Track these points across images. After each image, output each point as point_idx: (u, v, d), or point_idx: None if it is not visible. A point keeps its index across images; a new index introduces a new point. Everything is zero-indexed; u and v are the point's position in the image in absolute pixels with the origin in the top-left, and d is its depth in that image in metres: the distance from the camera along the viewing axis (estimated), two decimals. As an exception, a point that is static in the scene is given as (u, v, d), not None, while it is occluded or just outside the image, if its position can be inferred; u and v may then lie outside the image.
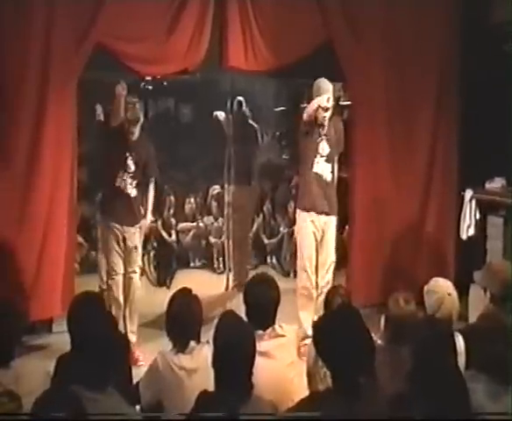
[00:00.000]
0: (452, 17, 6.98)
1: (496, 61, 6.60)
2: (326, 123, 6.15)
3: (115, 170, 6.03)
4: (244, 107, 8.21)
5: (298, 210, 6.39)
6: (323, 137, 6.18)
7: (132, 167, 6.03)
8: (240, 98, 8.22)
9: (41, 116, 6.03)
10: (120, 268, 6.07)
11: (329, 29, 6.74)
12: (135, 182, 6.07)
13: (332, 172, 6.31)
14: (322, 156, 6.18)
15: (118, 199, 6.06)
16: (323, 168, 6.20)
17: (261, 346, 3.74)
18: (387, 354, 3.69)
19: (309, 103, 6.24)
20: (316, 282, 6.16)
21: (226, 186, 8.32)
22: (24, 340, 5.76)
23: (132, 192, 6.07)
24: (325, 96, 6.02)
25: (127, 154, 6.00)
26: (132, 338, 6.01)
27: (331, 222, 6.32)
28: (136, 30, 6.29)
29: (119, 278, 6.07)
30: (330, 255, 6.28)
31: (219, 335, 3.28)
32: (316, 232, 6.21)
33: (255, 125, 8.38)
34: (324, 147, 6.18)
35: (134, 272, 6.16)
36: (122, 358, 3.18)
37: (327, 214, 6.26)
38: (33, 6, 5.96)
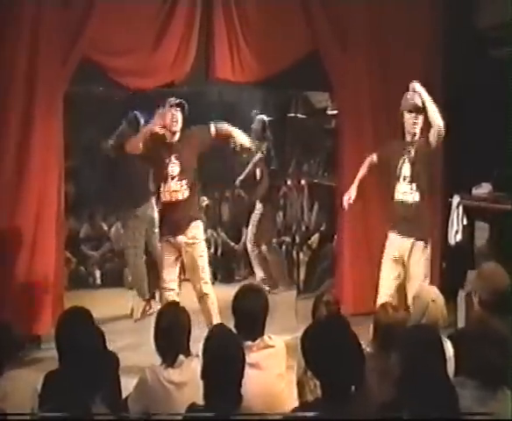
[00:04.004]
0: (438, 23, 7.02)
1: (482, 66, 6.64)
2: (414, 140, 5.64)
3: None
4: (267, 129, 8.39)
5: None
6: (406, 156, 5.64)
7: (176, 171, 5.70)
8: (265, 117, 8.40)
9: (27, 130, 6.02)
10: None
11: (315, 39, 6.78)
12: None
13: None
14: (404, 179, 5.63)
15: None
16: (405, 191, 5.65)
17: (250, 357, 3.73)
18: (376, 361, 3.70)
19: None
20: None
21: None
22: (13, 356, 5.73)
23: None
24: None
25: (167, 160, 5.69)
26: None
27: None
28: (122, 43, 6.32)
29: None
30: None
31: (208, 347, 3.27)
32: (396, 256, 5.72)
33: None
34: (406, 170, 5.62)
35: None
36: (109, 373, 3.16)
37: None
38: (19, 19, 5.96)
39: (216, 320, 5.58)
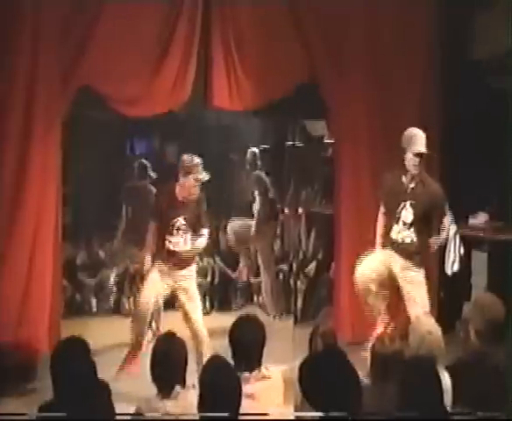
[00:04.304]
0: (435, 51, 7.07)
1: (480, 95, 6.68)
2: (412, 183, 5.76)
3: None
4: (258, 159, 8.43)
5: None
6: (409, 202, 5.73)
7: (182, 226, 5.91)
8: (255, 150, 8.46)
9: (25, 156, 6.03)
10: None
11: (312, 67, 6.82)
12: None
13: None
14: (404, 224, 5.75)
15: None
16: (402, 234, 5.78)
17: (247, 388, 3.71)
18: (373, 393, 3.68)
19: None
20: None
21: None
22: (8, 385, 5.71)
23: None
24: None
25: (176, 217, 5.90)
26: None
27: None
28: (120, 71, 6.34)
29: None
30: None
31: (205, 379, 3.26)
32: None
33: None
34: (407, 214, 5.74)
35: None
36: (104, 404, 3.14)
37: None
38: (18, 47, 5.98)
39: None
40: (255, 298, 9.19)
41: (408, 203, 5.68)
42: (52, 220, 6.21)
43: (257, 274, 9.22)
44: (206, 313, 8.52)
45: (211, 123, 10.19)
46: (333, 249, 7.15)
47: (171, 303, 8.90)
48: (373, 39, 6.95)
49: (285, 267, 9.04)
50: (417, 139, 5.69)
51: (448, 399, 3.67)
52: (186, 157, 5.89)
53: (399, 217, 5.71)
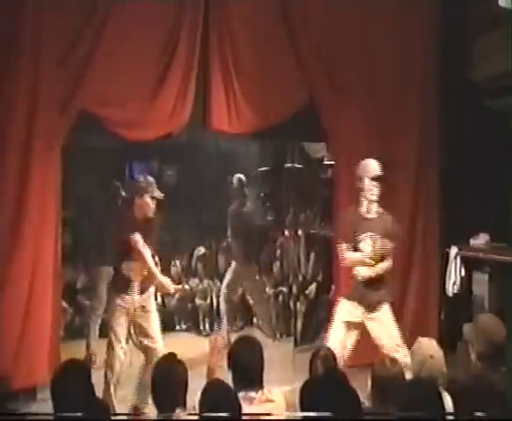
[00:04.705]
0: (433, 73, 7.10)
1: (479, 117, 6.69)
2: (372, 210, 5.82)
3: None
4: (245, 186, 8.33)
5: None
6: (368, 233, 5.74)
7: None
8: (242, 176, 8.34)
9: (25, 180, 6.01)
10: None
11: (310, 91, 6.84)
12: None
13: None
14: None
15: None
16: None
17: (251, 409, 3.72)
18: (374, 416, 3.66)
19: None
20: None
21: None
22: (7, 408, 5.67)
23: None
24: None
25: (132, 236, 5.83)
26: None
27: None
28: (119, 95, 6.34)
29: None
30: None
31: (205, 402, 3.25)
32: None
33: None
34: (365, 245, 5.73)
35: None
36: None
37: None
38: (17, 72, 5.99)
39: None
40: (255, 320, 9.19)
41: (368, 235, 5.71)
42: (52, 244, 6.19)
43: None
44: (206, 335, 8.57)
45: (210, 146, 10.23)
46: (333, 271, 7.13)
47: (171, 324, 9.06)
48: (371, 62, 6.98)
49: (285, 289, 9.03)
50: (372, 165, 5.82)
51: (450, 421, 3.66)
52: (141, 177, 6.01)
53: (358, 249, 5.72)
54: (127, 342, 5.88)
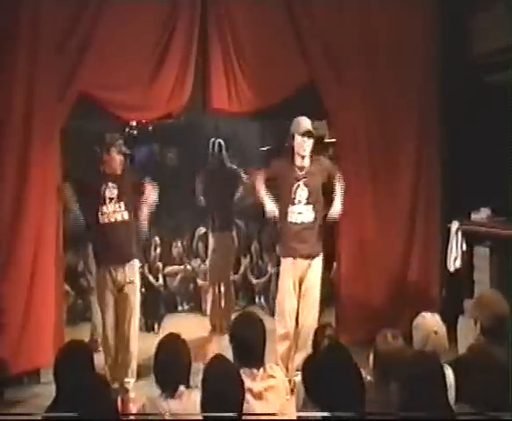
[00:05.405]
0: (433, 50, 7.06)
1: (478, 93, 6.67)
2: (305, 164, 5.98)
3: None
4: (223, 150, 8.07)
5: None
6: (301, 181, 5.94)
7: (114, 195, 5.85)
8: (221, 141, 8.10)
9: (25, 164, 6.04)
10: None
11: (310, 69, 6.81)
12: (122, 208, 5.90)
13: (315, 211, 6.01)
14: (300, 202, 5.94)
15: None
16: (302, 214, 5.95)
17: (254, 385, 3.74)
18: (376, 390, 3.67)
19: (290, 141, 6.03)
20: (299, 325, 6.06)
21: (210, 232, 8.23)
22: (12, 392, 5.72)
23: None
24: None
25: (104, 186, 5.84)
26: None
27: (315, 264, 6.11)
28: (119, 77, 6.34)
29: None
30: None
31: (207, 379, 3.26)
32: (295, 279, 6.03)
33: (235, 168, 8.21)
34: (302, 193, 5.94)
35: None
36: (107, 406, 3.13)
37: (307, 257, 6.04)
38: (16, 56, 6.00)
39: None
40: (257, 299, 9.22)
41: (301, 182, 5.89)
42: (53, 228, 6.21)
43: (259, 275, 9.24)
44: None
45: (210, 128, 10.20)
46: (334, 249, 7.14)
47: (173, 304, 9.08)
48: (371, 40, 6.94)
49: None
50: (302, 122, 5.95)
51: (451, 396, 3.67)
52: (106, 134, 5.93)
53: (294, 198, 5.90)
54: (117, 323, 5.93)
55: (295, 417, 3.63)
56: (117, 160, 5.86)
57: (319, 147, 9.39)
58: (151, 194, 6.02)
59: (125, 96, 6.41)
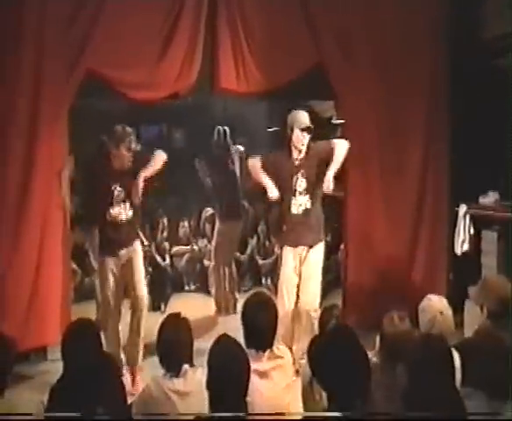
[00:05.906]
0: (442, 32, 7.01)
1: (487, 76, 6.63)
2: (302, 156, 5.95)
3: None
4: (228, 138, 8.00)
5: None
6: (299, 172, 5.91)
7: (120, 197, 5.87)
8: (226, 128, 8.02)
9: (33, 144, 6.03)
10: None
11: (319, 49, 6.77)
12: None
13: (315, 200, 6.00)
14: (299, 193, 5.94)
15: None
16: (301, 205, 5.95)
17: (260, 366, 3.75)
18: (382, 372, 3.67)
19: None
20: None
21: (217, 218, 8.18)
22: (19, 369, 5.74)
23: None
24: None
25: (112, 185, 5.85)
26: None
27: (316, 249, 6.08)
28: (126, 56, 6.30)
29: None
30: None
31: (213, 358, 3.27)
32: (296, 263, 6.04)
33: (241, 149, 8.19)
34: (301, 184, 5.93)
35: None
36: (114, 383, 3.15)
37: (308, 246, 6.03)
38: (23, 34, 5.97)
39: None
40: (263, 280, 9.23)
41: (299, 174, 5.89)
42: (60, 205, 6.21)
43: (266, 256, 9.25)
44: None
45: (218, 109, 10.18)
46: (342, 231, 7.13)
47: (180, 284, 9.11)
48: (379, 21, 6.87)
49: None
50: (302, 116, 5.93)
51: (457, 379, 3.67)
52: (118, 127, 5.87)
53: (293, 190, 5.91)
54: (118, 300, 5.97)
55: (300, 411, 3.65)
56: (125, 156, 5.83)
57: (328, 129, 9.46)
58: (159, 158, 6.01)
59: (133, 74, 6.37)
